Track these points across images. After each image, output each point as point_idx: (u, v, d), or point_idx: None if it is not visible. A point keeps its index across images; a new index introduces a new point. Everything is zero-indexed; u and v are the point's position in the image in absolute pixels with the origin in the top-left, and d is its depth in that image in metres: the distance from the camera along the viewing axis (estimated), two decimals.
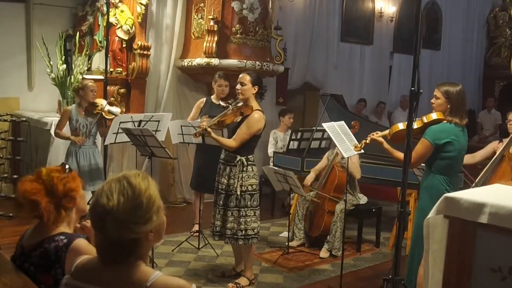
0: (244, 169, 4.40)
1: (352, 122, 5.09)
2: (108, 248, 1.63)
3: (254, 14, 7.04)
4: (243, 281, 4.58)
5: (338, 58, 9.59)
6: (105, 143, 5.38)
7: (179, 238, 5.69)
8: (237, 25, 6.98)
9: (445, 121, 3.75)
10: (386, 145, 3.90)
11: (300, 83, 9.07)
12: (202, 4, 7.07)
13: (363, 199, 5.83)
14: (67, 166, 2.36)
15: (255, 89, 4.40)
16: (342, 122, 4.61)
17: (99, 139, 5.94)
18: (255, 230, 4.47)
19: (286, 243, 5.59)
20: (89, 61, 7.28)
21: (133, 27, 6.80)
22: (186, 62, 7.17)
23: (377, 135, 3.96)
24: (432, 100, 3.83)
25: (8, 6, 7.35)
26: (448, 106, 3.74)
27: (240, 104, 4.43)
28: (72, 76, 6.82)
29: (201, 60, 6.85)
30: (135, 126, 5.19)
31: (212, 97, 5.86)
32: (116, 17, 6.79)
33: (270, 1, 7.36)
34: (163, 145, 4.91)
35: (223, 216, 4.45)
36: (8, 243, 4.81)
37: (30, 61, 7.60)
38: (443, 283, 2.59)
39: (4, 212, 6.28)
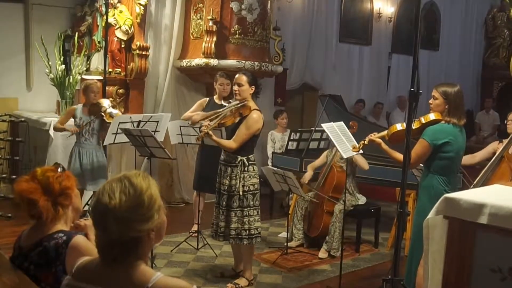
0: (246, 169, 4.41)
1: (350, 123, 5.10)
2: (109, 247, 1.63)
3: (253, 15, 7.04)
4: (242, 281, 4.58)
5: (336, 58, 9.60)
6: (104, 144, 5.39)
7: (178, 238, 5.69)
8: (236, 26, 6.99)
9: (443, 122, 3.76)
10: (384, 146, 3.90)
11: (299, 83, 9.09)
12: (201, 5, 7.08)
13: (362, 200, 5.83)
14: (60, 166, 2.40)
15: (252, 89, 4.42)
16: (341, 123, 4.62)
17: None
18: (258, 230, 4.49)
19: (285, 244, 5.59)
20: (88, 62, 7.28)
21: (132, 27, 6.81)
22: (184, 63, 7.17)
23: (375, 136, 3.96)
24: (430, 101, 3.84)
25: (7, 6, 7.34)
26: (446, 107, 3.75)
27: (238, 105, 4.43)
28: (71, 77, 6.81)
29: (200, 61, 6.86)
30: (134, 127, 5.19)
31: (214, 97, 5.86)
32: (115, 18, 6.79)
33: (269, 2, 7.37)
34: (162, 146, 4.91)
35: (227, 217, 4.45)
36: (7, 244, 4.80)
37: (29, 62, 7.59)
38: (443, 283, 2.59)
39: (2, 212, 6.28)
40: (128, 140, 5.17)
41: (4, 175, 6.93)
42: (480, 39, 12.58)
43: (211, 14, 6.82)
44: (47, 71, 6.77)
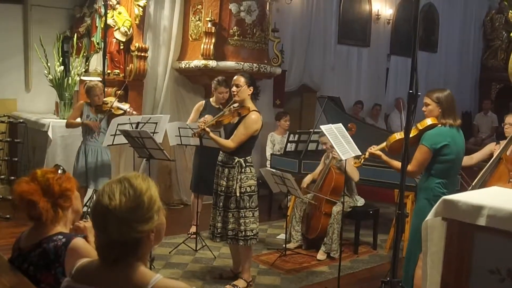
0: (243, 170, 4.41)
1: (349, 125, 5.10)
2: (109, 248, 1.63)
3: (252, 16, 7.05)
4: (240, 283, 4.58)
5: (335, 60, 9.60)
6: (103, 145, 5.39)
7: (176, 240, 5.69)
8: (235, 27, 7.00)
9: (440, 125, 3.77)
10: (384, 157, 3.93)
11: (297, 85, 9.09)
12: (199, 6, 7.09)
13: (360, 201, 5.83)
14: (60, 168, 2.40)
15: (250, 90, 4.43)
16: (340, 125, 4.62)
17: None
18: (253, 231, 4.48)
19: (284, 245, 5.59)
20: (87, 63, 7.28)
21: (131, 29, 6.81)
22: (183, 64, 7.17)
23: (375, 149, 3.99)
24: (423, 108, 3.87)
25: (6, 7, 7.34)
26: (440, 110, 3.78)
27: (237, 106, 4.45)
28: (70, 78, 6.81)
29: (198, 62, 6.86)
30: (133, 128, 5.20)
31: (211, 100, 5.87)
32: (113, 19, 6.79)
33: (268, 3, 7.37)
34: (161, 147, 4.92)
35: (224, 217, 4.46)
36: (5, 245, 4.80)
37: (28, 63, 7.59)
38: (441, 285, 2.60)
39: (1, 213, 6.28)
40: (127, 142, 5.18)
41: (2, 176, 6.93)
42: (478, 41, 12.60)
43: (210, 15, 6.82)
44: (46, 72, 6.77)
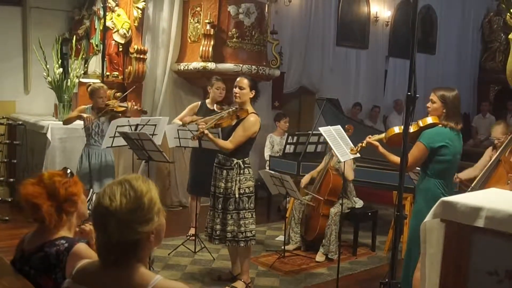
0: (241, 171, 4.42)
1: (346, 126, 5.12)
2: (110, 249, 1.64)
3: (251, 19, 7.06)
4: (239, 284, 4.58)
5: (333, 62, 9.63)
6: (102, 147, 5.38)
7: (175, 241, 5.69)
8: (234, 29, 7.01)
9: (440, 125, 3.78)
10: (381, 149, 3.92)
11: (296, 87, 9.12)
12: (198, 8, 7.10)
13: (359, 203, 5.84)
14: (68, 171, 2.38)
15: (252, 93, 4.44)
16: (339, 126, 4.64)
17: None
18: (253, 232, 4.51)
19: (282, 247, 5.60)
20: (86, 65, 7.28)
21: (130, 31, 6.82)
22: (182, 66, 7.19)
23: (373, 139, 3.98)
24: (428, 104, 3.86)
25: (5, 9, 7.34)
26: (444, 111, 3.77)
27: (236, 108, 4.46)
28: (69, 80, 6.81)
29: (197, 64, 6.88)
30: (132, 130, 5.20)
31: (207, 101, 5.88)
32: (112, 21, 6.81)
33: (266, 6, 7.40)
34: (160, 149, 4.92)
35: (223, 219, 4.46)
36: (4, 247, 4.81)
37: (26, 65, 7.58)
38: (440, 286, 2.61)
39: (0, 215, 6.27)
40: (126, 144, 5.18)
41: (1, 178, 6.93)
42: (476, 43, 12.63)
43: (208, 17, 6.85)
44: (45, 74, 6.77)
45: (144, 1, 6.84)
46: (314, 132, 6.70)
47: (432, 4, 11.16)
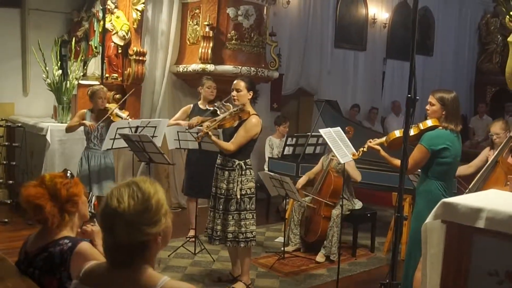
0: (243, 172, 4.45)
1: (346, 128, 5.15)
2: (117, 251, 1.66)
3: (249, 21, 7.09)
4: (239, 285, 4.60)
5: (331, 63, 9.65)
6: (102, 149, 5.39)
7: (175, 243, 5.70)
8: (232, 31, 7.04)
9: (441, 127, 3.81)
10: (383, 152, 3.95)
11: (294, 88, 9.14)
12: (197, 10, 7.12)
13: (358, 204, 5.87)
14: (69, 172, 2.41)
15: (250, 94, 4.47)
16: (338, 128, 4.66)
17: None
18: (253, 233, 4.53)
19: (282, 248, 5.62)
20: (85, 67, 7.29)
21: (129, 33, 6.83)
22: (181, 68, 7.20)
23: (374, 143, 3.99)
24: (427, 107, 3.88)
25: (3, 11, 7.34)
26: (443, 113, 3.80)
27: (237, 110, 4.48)
28: (68, 82, 6.82)
29: (196, 66, 6.89)
30: (132, 132, 5.21)
31: (199, 102, 5.93)
32: (111, 23, 6.81)
33: (265, 8, 7.42)
34: (161, 151, 4.94)
35: (224, 220, 4.48)
36: (4, 249, 4.82)
37: (25, 67, 7.58)
38: (440, 286, 2.63)
39: None
40: (126, 146, 5.20)
41: (0, 180, 6.93)
42: (473, 45, 12.69)
43: (207, 19, 6.86)
44: (44, 76, 6.77)
45: (143, 3, 6.85)
46: (313, 133, 6.73)
47: (430, 6, 11.21)
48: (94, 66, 7.25)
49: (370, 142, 4.01)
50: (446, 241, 2.61)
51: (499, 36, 12.28)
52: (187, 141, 5.51)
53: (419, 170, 3.97)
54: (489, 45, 12.55)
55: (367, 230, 6.02)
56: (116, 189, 1.67)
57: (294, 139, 7.16)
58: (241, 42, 7.10)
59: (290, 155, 6.97)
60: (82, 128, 5.65)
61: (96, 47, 7.20)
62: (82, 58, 7.25)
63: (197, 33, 7.08)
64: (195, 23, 7.16)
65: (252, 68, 7.06)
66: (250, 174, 4.51)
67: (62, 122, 6.72)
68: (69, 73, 7.01)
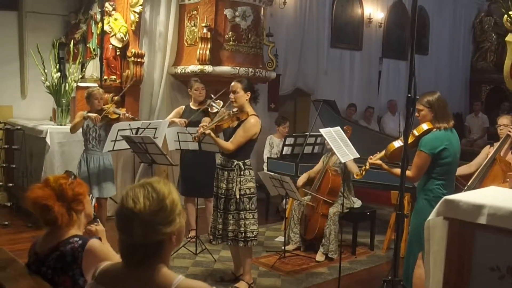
0: (242, 173, 4.49)
1: (345, 127, 5.19)
2: (133, 251, 1.69)
3: (247, 22, 7.13)
4: (242, 285, 4.64)
5: (328, 63, 9.70)
6: (104, 151, 5.40)
7: None
8: (230, 33, 7.07)
9: (435, 129, 3.84)
10: (385, 166, 4.00)
11: (291, 88, 9.18)
12: (195, 12, 7.15)
13: (357, 203, 5.91)
14: (72, 174, 2.47)
15: (248, 95, 4.51)
16: (338, 128, 4.71)
17: None
18: (254, 233, 4.56)
19: (282, 247, 5.66)
20: (83, 69, 7.30)
21: (127, 35, 6.84)
22: (179, 69, 7.23)
23: (375, 158, 4.03)
24: (416, 114, 3.90)
25: (0, 14, 7.35)
26: (432, 114, 3.84)
27: (236, 110, 4.53)
28: (67, 84, 6.83)
29: (194, 67, 6.92)
30: (133, 134, 5.24)
31: (190, 103, 6.01)
32: (109, 25, 6.83)
33: (262, 8, 7.46)
34: (164, 152, 4.97)
35: (224, 219, 4.54)
36: None
37: (23, 69, 7.59)
38: (443, 282, 2.68)
39: None
40: (127, 147, 5.22)
41: (0, 183, 6.93)
42: (468, 43, 12.78)
43: (205, 21, 6.89)
44: (43, 78, 6.78)
45: (141, 5, 6.87)
46: (311, 133, 6.77)
47: (424, 5, 11.26)
48: (92, 68, 7.28)
49: (371, 158, 4.05)
50: (448, 237, 2.66)
51: (493, 35, 12.37)
52: (187, 142, 5.54)
53: None
54: (483, 44, 12.64)
55: (367, 228, 6.07)
56: (131, 190, 1.70)
57: (293, 139, 7.20)
58: (239, 43, 7.13)
59: (289, 155, 7.01)
60: (80, 130, 5.66)
61: (94, 49, 7.23)
62: (80, 60, 7.26)
63: (195, 34, 7.11)
64: (192, 25, 7.19)
65: (250, 68, 7.09)
66: (249, 174, 4.55)
67: (61, 125, 6.73)
68: (67, 75, 7.02)
